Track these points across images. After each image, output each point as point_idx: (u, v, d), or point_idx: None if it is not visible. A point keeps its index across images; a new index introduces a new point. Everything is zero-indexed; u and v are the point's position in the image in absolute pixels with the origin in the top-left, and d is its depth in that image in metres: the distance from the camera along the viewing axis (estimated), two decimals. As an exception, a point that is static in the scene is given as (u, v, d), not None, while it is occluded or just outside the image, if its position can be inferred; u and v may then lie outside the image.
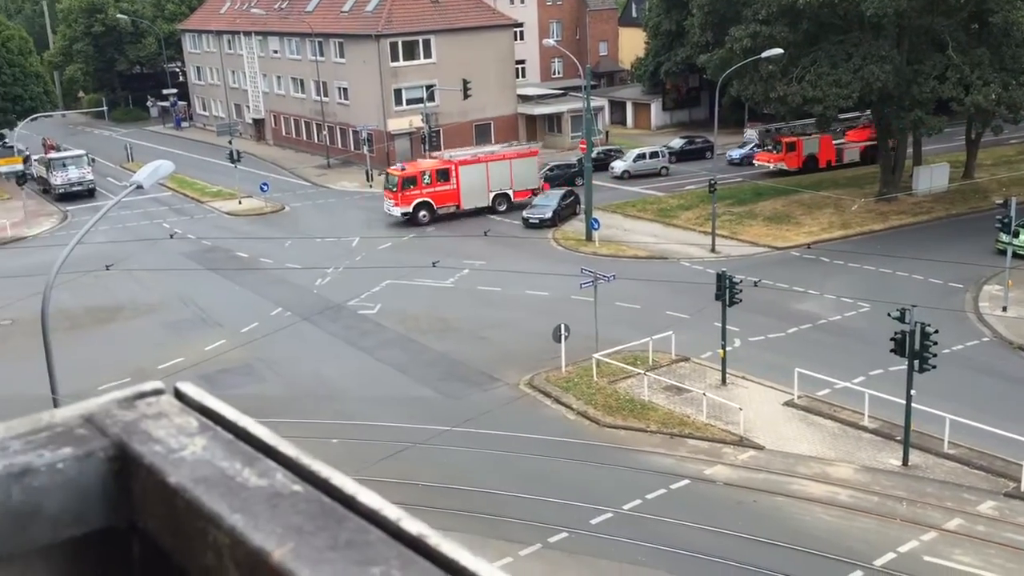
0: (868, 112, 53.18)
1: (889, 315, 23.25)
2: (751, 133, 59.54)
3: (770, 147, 55.22)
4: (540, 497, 22.13)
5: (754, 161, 56.10)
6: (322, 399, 27.95)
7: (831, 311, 33.65)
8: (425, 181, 47.38)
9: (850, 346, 30.13)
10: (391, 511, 0.82)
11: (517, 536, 20.60)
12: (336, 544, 0.77)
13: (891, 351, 23.15)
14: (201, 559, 0.82)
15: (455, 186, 47.92)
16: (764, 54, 40.43)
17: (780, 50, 40.42)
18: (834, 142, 55.55)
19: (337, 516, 0.82)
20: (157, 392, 1.01)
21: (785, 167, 53.86)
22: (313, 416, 26.27)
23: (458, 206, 48.10)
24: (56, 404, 17.33)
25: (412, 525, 0.79)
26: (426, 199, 47.41)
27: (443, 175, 47.81)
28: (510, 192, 48.96)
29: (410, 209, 47.06)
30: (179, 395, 1.02)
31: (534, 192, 49.48)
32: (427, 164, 49.08)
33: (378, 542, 0.78)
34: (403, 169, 48.32)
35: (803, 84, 43.64)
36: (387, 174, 48.77)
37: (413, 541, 0.78)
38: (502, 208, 48.77)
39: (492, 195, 48.69)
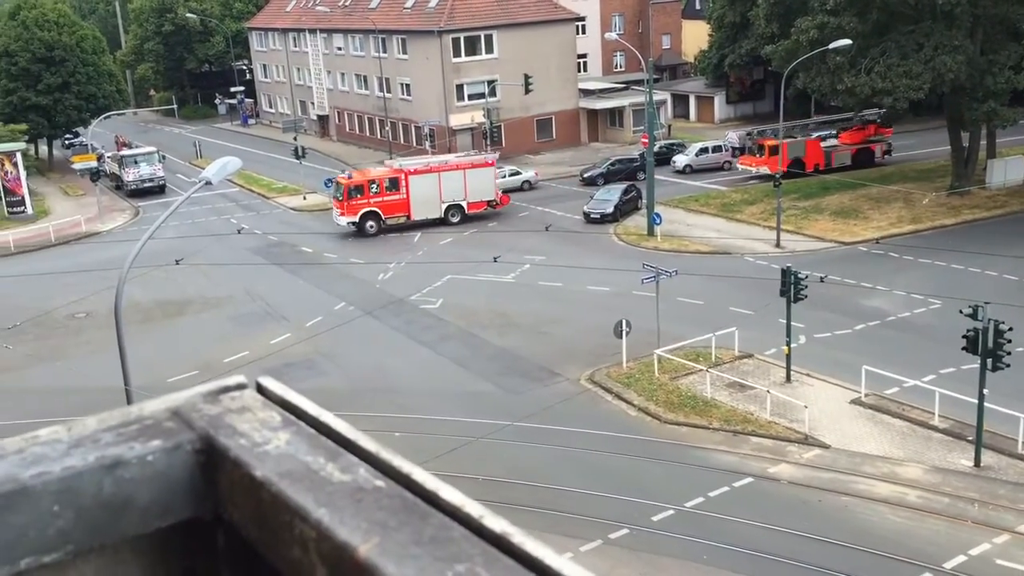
0: (861, 113, 51.22)
1: (961, 312, 22.66)
2: (732, 136, 56.05)
3: (754, 150, 52.16)
4: (601, 493, 22.07)
5: (737, 165, 53.27)
6: (384, 393, 28.25)
7: (900, 308, 32.91)
8: (373, 190, 45.76)
9: (920, 343, 29.44)
10: (473, 508, 0.82)
11: (578, 532, 20.57)
12: (420, 540, 0.77)
13: (963, 349, 22.56)
14: (287, 552, 0.83)
15: (405, 196, 46.18)
16: (832, 45, 39.64)
17: (848, 41, 39.58)
18: (823, 145, 52.52)
19: (420, 512, 0.82)
20: (240, 386, 1.03)
21: (768, 171, 49.28)
22: (375, 410, 26.56)
23: (408, 216, 46.44)
24: (129, 396, 17.81)
25: (495, 523, 0.79)
26: (374, 209, 45.79)
27: (392, 184, 46.10)
28: (464, 203, 47.02)
29: (356, 219, 45.62)
30: (261, 389, 1.03)
31: (490, 204, 47.57)
32: (376, 173, 47.45)
33: (461, 539, 0.77)
34: (350, 177, 46.69)
35: (872, 75, 42.69)
36: (335, 182, 47.22)
37: (496, 539, 0.77)
38: (455, 220, 46.92)
39: (444, 206, 46.84)
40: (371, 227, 45.95)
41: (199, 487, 0.91)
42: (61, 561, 0.84)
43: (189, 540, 0.94)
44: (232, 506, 0.90)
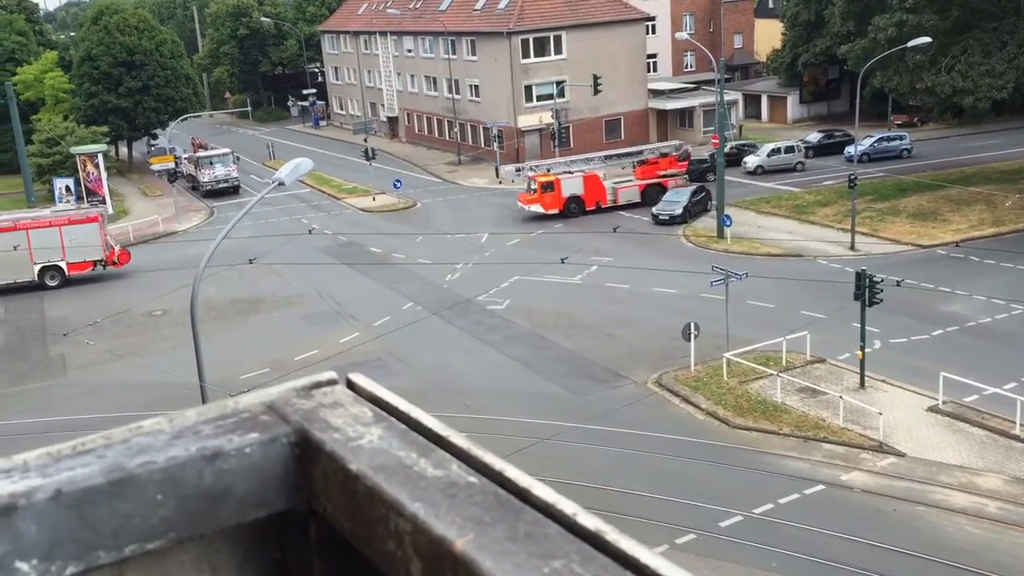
0: (657, 145, 47.96)
1: (1045, 318, 21.94)
2: (509, 169, 50.13)
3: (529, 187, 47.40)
4: (668, 497, 21.88)
5: (518, 203, 48.49)
6: (450, 392, 28.42)
7: (981, 313, 31.95)
8: None
9: (1001, 350, 28.54)
10: (567, 505, 0.81)
11: (644, 536, 20.40)
12: (515, 536, 0.77)
13: (1047, 356, 21.84)
14: (381, 545, 0.83)
15: None
16: (911, 43, 38.68)
17: (928, 39, 38.58)
18: (609, 182, 47.82)
19: (514, 508, 0.82)
20: (331, 382, 1.04)
21: (542, 210, 46.64)
22: (441, 409, 26.68)
23: None
24: (204, 392, 18.23)
25: (589, 520, 0.79)
26: None
27: None
28: (63, 264, 41.19)
29: None
30: (351, 385, 1.04)
31: (98, 263, 41.81)
32: None
33: (556, 535, 0.78)
34: None
35: (952, 74, 41.61)
36: None
37: (591, 536, 0.78)
38: (53, 283, 41.00)
39: (38, 268, 40.95)
40: None
41: (294, 479, 0.92)
42: (163, 549, 0.86)
43: (283, 531, 0.95)
44: (326, 498, 0.91)
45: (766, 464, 23.54)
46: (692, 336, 27.84)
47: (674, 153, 49.73)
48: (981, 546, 19.72)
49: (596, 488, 22.32)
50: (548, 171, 47.71)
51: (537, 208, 47.15)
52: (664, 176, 48.96)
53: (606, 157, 49.51)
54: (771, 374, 27.69)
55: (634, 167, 49.07)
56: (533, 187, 47.25)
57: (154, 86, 68.20)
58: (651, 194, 48.12)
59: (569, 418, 25.87)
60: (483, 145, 63.45)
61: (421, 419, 0.96)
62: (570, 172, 47.78)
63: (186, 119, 69.01)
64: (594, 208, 47.75)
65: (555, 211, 46.96)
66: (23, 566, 0.79)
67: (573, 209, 47.32)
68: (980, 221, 42.54)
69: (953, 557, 19.22)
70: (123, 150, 75.30)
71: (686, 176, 49.78)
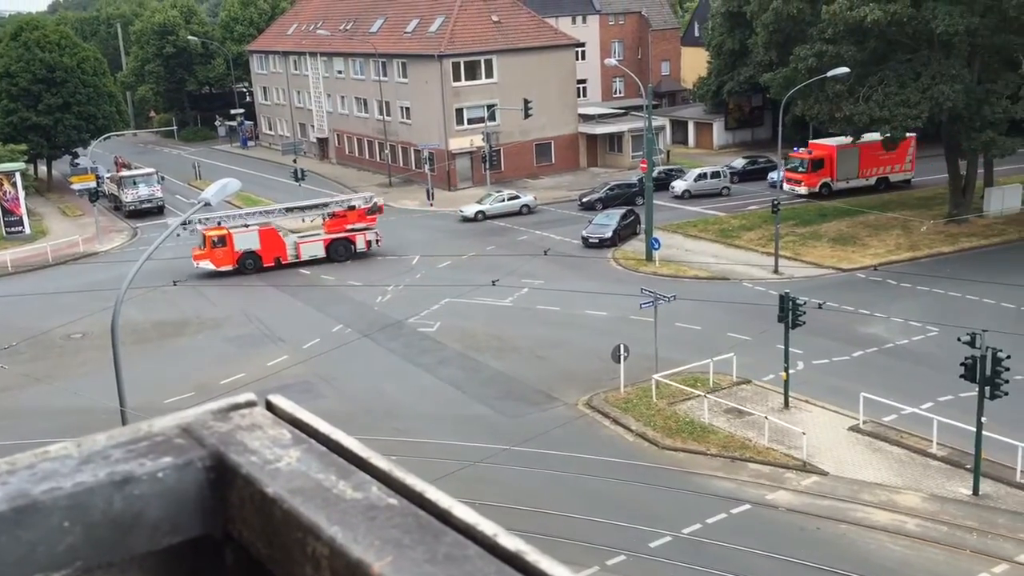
0: (347, 198, 46.67)
1: (959, 339, 22.67)
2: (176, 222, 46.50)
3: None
4: (598, 519, 21.95)
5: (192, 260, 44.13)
6: (381, 416, 28.15)
7: (898, 335, 32.92)
8: None
9: (918, 371, 29.42)
10: (487, 526, 0.81)
11: (574, 558, 20.41)
12: (435, 558, 0.76)
13: (961, 376, 22.55)
14: (298, 570, 0.81)
15: None
16: (830, 73, 39.91)
17: (846, 69, 39.84)
18: (290, 237, 45.62)
19: (434, 530, 0.81)
20: (250, 404, 1.02)
21: (213, 267, 43.41)
22: (371, 433, 26.41)
23: None
24: (124, 417, 17.71)
25: (509, 541, 0.78)
26: None
27: None
28: None
29: None
30: (271, 407, 1.02)
31: None
32: None
33: (476, 557, 0.77)
34: None
35: (870, 103, 42.92)
36: None
37: (511, 557, 0.77)
38: None
39: None
40: None
41: (209, 504, 0.90)
42: None
43: (197, 558, 0.92)
44: (242, 523, 0.88)
45: (694, 484, 23.81)
46: (622, 358, 28.09)
47: (364, 206, 46.30)
48: (901, 563, 20.21)
49: (527, 510, 22.28)
50: (220, 224, 43.51)
51: (207, 265, 43.53)
52: (352, 231, 45.77)
53: (288, 209, 45.70)
54: (699, 395, 28.08)
55: (324, 220, 46.10)
56: (202, 243, 43.71)
57: (75, 103, 66.50)
58: (337, 249, 45.59)
59: (500, 440, 25.82)
60: (414, 167, 63.33)
61: (341, 441, 0.95)
62: (246, 225, 44.23)
63: (108, 138, 67.41)
64: (273, 264, 44.62)
65: (228, 268, 43.63)
66: None
67: (248, 265, 44.01)
68: (897, 246, 43.91)
69: (875, 574, 19.66)
70: (42, 169, 73.18)
71: (376, 231, 46.49)
